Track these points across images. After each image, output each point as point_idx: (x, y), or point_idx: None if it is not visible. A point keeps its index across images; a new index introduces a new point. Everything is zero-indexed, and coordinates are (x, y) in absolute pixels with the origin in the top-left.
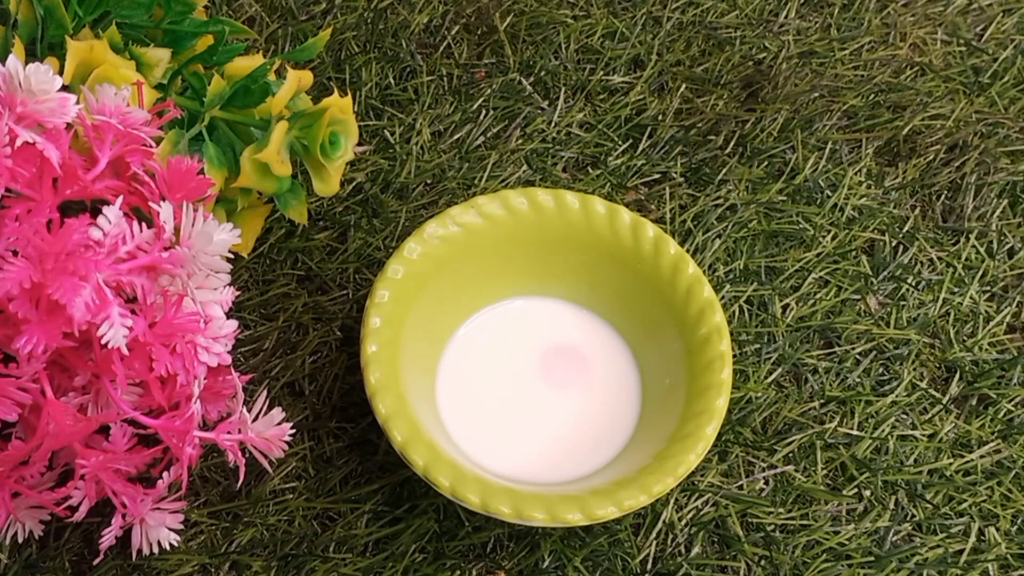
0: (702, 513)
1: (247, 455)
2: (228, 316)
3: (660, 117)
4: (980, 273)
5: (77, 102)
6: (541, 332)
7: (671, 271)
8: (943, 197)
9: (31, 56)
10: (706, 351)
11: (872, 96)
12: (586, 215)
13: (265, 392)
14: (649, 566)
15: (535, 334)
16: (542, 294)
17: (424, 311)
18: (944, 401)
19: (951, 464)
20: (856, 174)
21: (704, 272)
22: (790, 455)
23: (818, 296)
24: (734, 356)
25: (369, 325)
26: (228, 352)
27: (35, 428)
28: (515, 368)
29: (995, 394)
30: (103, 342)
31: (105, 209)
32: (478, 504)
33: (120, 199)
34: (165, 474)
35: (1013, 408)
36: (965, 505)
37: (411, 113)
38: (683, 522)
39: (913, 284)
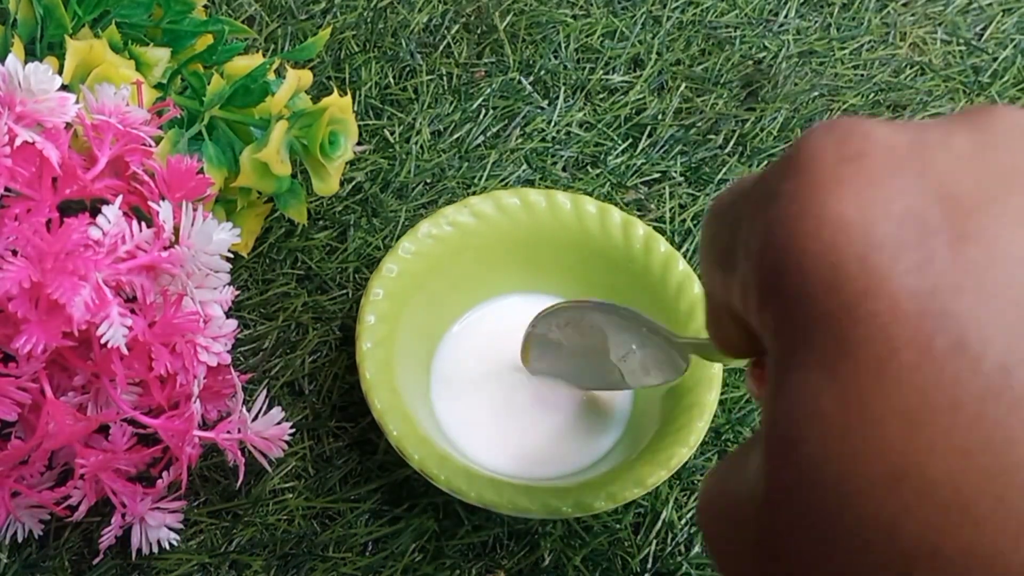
0: None
1: (247, 455)
2: (228, 315)
3: (660, 116)
4: None
5: (76, 102)
6: None
7: (661, 269)
8: None
9: (31, 56)
10: None
11: (872, 95)
12: (577, 215)
13: (265, 392)
14: (649, 565)
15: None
16: (535, 292)
17: (419, 309)
18: None
19: None
20: None
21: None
22: None
23: None
24: None
25: (364, 322)
26: (228, 352)
27: (35, 428)
28: (508, 365)
29: None
30: (103, 342)
31: (105, 209)
32: (473, 497)
33: (120, 199)
34: (165, 474)
35: None
36: None
37: (411, 112)
38: (683, 521)
39: None
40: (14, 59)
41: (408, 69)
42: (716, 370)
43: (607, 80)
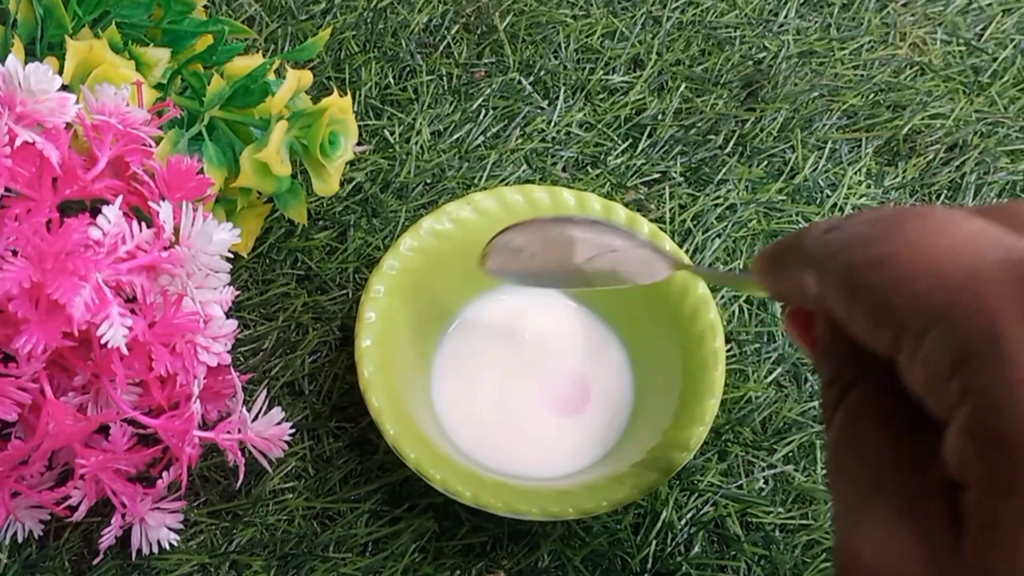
0: (702, 513)
1: (247, 455)
2: (228, 316)
3: (660, 117)
4: None
5: (77, 102)
6: (535, 328)
7: None
8: (943, 197)
9: (31, 56)
10: (700, 348)
11: (872, 95)
12: (582, 212)
13: (265, 392)
14: (649, 565)
15: (530, 330)
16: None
17: (420, 306)
18: None
19: None
20: (856, 173)
21: None
22: (790, 455)
23: None
24: (734, 356)
25: (363, 320)
26: (228, 352)
27: (35, 428)
28: (509, 363)
29: None
30: (103, 342)
31: (105, 209)
32: (469, 498)
33: (120, 199)
34: (165, 474)
35: None
36: None
37: (411, 113)
38: (683, 522)
39: None
40: (14, 59)
41: (408, 69)
42: (718, 374)
43: (607, 80)
